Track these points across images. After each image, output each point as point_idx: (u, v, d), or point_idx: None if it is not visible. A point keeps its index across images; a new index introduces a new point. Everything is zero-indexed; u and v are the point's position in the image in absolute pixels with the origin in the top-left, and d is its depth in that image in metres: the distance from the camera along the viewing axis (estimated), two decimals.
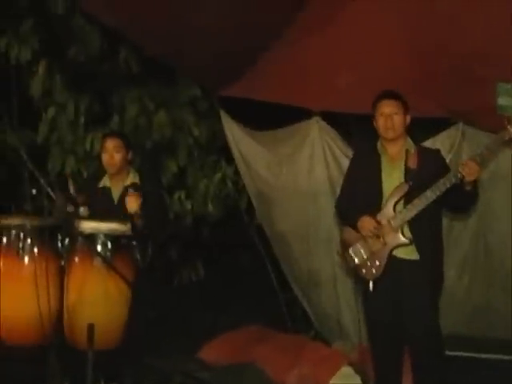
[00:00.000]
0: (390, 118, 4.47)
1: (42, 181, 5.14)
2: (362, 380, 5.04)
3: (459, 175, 4.24)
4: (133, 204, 4.63)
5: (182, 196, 6.12)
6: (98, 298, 4.28)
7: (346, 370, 5.13)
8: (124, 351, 4.43)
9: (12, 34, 5.76)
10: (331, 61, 5.39)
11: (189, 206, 6.13)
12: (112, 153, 4.91)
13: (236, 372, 5.15)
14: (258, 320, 6.04)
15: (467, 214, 5.30)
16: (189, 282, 6.47)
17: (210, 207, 6.14)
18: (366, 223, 4.44)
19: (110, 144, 4.93)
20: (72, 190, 4.60)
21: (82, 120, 5.86)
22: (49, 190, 5.10)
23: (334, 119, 5.84)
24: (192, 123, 6.15)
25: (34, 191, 4.38)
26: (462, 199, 4.37)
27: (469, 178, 4.22)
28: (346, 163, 5.16)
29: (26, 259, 4.34)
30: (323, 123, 5.81)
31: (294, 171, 5.92)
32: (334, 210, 5.05)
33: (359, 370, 5.11)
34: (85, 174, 5.91)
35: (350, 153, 5.29)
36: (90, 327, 4.17)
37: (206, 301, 6.80)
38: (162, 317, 5.24)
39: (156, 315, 4.91)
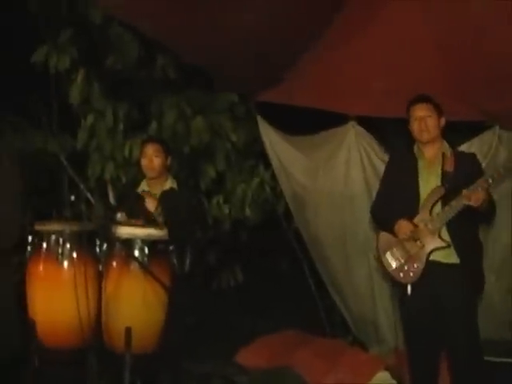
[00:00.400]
0: (423, 120, 4.50)
1: (81, 187, 5.25)
2: None
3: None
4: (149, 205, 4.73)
5: (221, 201, 6.15)
6: (135, 302, 4.29)
7: (383, 374, 5.14)
8: (161, 355, 4.44)
9: (51, 44, 5.85)
10: (366, 65, 5.40)
11: (227, 211, 6.15)
12: (151, 157, 4.96)
13: (274, 376, 5.18)
14: (295, 324, 6.06)
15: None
16: (227, 287, 6.47)
17: (248, 212, 6.15)
18: (403, 227, 4.44)
19: (150, 149, 4.98)
20: (111, 195, 4.60)
21: (121, 127, 5.91)
22: (88, 195, 5.23)
23: (369, 124, 5.80)
24: (230, 128, 6.18)
25: (72, 197, 4.45)
26: (478, 216, 4.40)
27: (476, 205, 4.24)
28: (382, 167, 5.16)
29: (66, 264, 4.38)
30: (359, 128, 5.80)
31: (330, 176, 5.93)
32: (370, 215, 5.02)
33: (396, 374, 5.11)
34: (123, 180, 5.93)
35: (386, 157, 5.25)
36: (128, 331, 4.24)
37: (245, 305, 6.82)
38: (200, 321, 5.26)
39: (194, 320, 4.93)
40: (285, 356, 5.47)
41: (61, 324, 4.26)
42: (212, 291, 6.51)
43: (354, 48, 5.37)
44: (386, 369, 5.19)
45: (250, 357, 5.57)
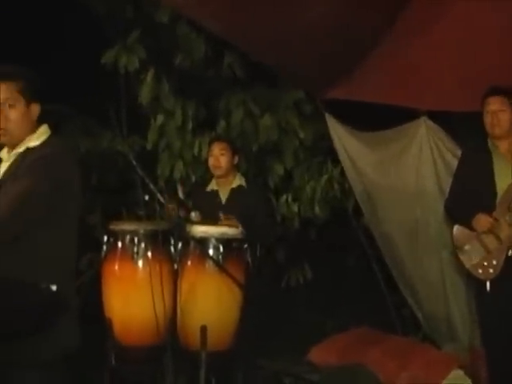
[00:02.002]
0: (495, 115, 4.46)
1: (151, 186, 5.31)
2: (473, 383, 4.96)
3: None
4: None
5: (289, 199, 6.12)
6: (210, 301, 4.31)
7: (457, 373, 5.05)
8: (235, 353, 4.45)
9: (120, 45, 5.89)
10: (437, 58, 5.36)
11: (295, 209, 6.12)
12: (218, 156, 5.01)
13: (347, 374, 5.13)
14: (364, 322, 5.99)
15: None
16: (296, 285, 6.46)
17: (317, 209, 6.12)
18: (483, 220, 4.39)
19: (216, 148, 5.04)
20: (181, 194, 4.62)
21: (190, 125, 5.93)
22: (158, 195, 5.27)
23: (441, 118, 5.73)
24: (297, 125, 6.15)
25: (146, 197, 4.43)
26: None
27: None
28: (454, 163, 5.11)
29: (141, 263, 4.36)
30: (431, 123, 5.73)
31: (401, 172, 5.88)
32: (443, 210, 5.01)
33: (470, 373, 5.03)
34: (193, 179, 5.96)
35: (459, 152, 5.18)
36: (203, 329, 4.22)
37: (314, 303, 6.81)
38: (270, 319, 5.26)
39: (265, 318, 4.94)
40: (357, 354, 5.42)
41: (137, 322, 4.26)
42: (281, 289, 6.47)
43: (424, 41, 5.33)
44: (460, 367, 5.11)
45: (322, 354, 5.55)
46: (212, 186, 5.14)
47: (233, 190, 5.04)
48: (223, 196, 5.12)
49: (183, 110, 5.89)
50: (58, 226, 3.18)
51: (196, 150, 5.91)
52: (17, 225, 3.02)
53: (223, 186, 5.09)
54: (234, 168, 5.15)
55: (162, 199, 5.62)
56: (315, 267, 6.58)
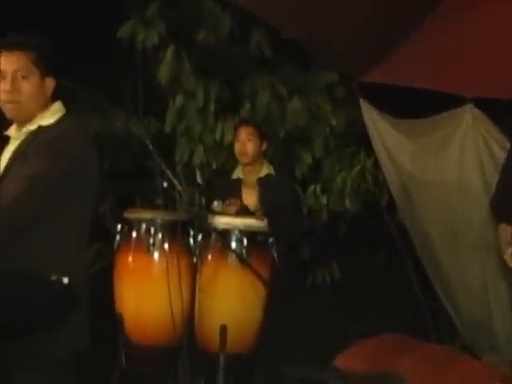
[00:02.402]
0: None
1: (167, 173, 5.22)
2: None
3: None
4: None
5: (318, 190, 6.02)
6: (231, 298, 4.28)
7: None
8: (257, 356, 4.44)
9: (137, 18, 5.79)
10: (484, 42, 5.27)
11: (324, 201, 6.01)
12: (245, 142, 4.94)
13: (377, 381, 5.07)
14: (395, 328, 5.89)
15: None
16: (322, 284, 6.38)
17: (347, 203, 6.01)
18: None
19: (243, 132, 4.96)
20: (201, 181, 4.58)
21: (212, 108, 5.83)
22: (175, 182, 5.20)
23: (487, 107, 5.61)
24: (329, 111, 6.04)
25: (165, 184, 4.38)
26: None
27: None
28: (501, 155, 5.03)
29: (157, 255, 4.31)
30: (477, 111, 5.59)
31: (442, 164, 5.75)
32: (487, 208, 4.90)
33: None
34: (214, 166, 5.88)
35: (507, 144, 5.03)
36: (223, 329, 4.20)
37: (341, 304, 6.72)
38: (294, 320, 5.22)
39: (289, 319, 4.91)
40: (388, 361, 5.31)
41: (150, 319, 4.24)
42: (306, 288, 6.38)
43: (470, 24, 5.23)
44: (502, 381, 4.97)
45: (349, 361, 5.42)
46: (237, 174, 5.07)
47: (260, 180, 4.93)
48: (249, 186, 5.10)
49: (205, 90, 5.77)
50: (70, 216, 3.15)
51: (218, 135, 5.80)
52: (25, 213, 2.99)
53: (249, 175, 5.02)
54: (262, 155, 5.06)
55: (178, 187, 5.57)
56: (343, 265, 6.46)
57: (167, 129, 5.87)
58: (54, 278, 3.08)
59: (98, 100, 6.07)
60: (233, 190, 5.01)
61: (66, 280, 3.09)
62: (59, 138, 3.09)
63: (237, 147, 5.01)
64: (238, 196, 4.95)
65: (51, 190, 3.01)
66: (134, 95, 6.11)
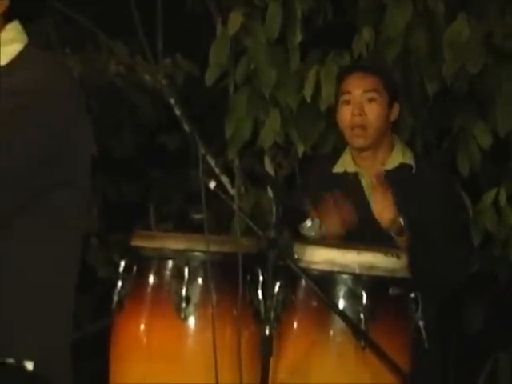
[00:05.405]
0: None
1: (212, 163, 4.24)
2: None
3: None
4: (383, 207, 3.44)
5: (502, 197, 4.10)
6: None
7: None
8: None
9: None
10: None
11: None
12: (361, 103, 3.61)
13: None
14: None
15: None
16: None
17: None
18: None
19: (358, 86, 3.63)
20: (274, 178, 3.62)
21: (298, 38, 4.05)
22: (223, 179, 4.27)
23: None
24: None
25: (211, 184, 2.90)
26: None
27: None
28: None
29: (192, 321, 3.03)
30: None
31: None
32: None
33: None
34: (300, 148, 4.19)
35: None
36: None
37: None
38: None
39: None
40: None
41: None
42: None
43: None
44: None
45: None
46: (345, 163, 3.55)
47: (389, 174, 3.47)
48: (369, 185, 3.55)
49: (284, 3, 4.09)
50: (48, 228, 2.29)
51: (308, 90, 4.07)
52: None
53: (369, 166, 3.52)
54: (391, 130, 3.56)
55: (225, 183, 4.15)
56: None
57: (208, 79, 4.20)
58: (10, 360, 2.28)
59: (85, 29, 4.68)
60: (347, 192, 3.57)
61: (30, 365, 2.27)
62: (23, 90, 2.26)
63: (345, 114, 3.54)
64: (353, 205, 3.50)
65: (12, 181, 2.20)
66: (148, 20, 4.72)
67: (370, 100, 3.49)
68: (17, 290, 2.31)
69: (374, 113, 3.52)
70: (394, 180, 3.48)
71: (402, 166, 3.49)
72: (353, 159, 3.57)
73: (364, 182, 3.55)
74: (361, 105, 3.48)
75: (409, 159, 3.52)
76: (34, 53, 2.38)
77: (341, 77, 3.69)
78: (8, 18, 2.36)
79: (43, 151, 2.27)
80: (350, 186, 3.55)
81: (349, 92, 3.52)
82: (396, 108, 3.54)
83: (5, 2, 2.33)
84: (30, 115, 2.26)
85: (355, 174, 3.55)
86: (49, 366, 2.35)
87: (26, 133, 2.25)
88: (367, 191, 3.54)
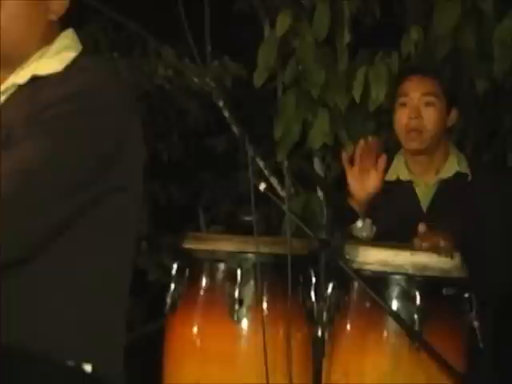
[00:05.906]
0: None
1: (261, 165, 4.22)
2: None
3: None
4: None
5: None
6: None
7: None
8: None
9: None
10: None
11: None
12: (418, 107, 3.50)
13: None
14: None
15: None
16: None
17: None
18: None
19: (415, 90, 3.53)
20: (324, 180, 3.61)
21: (347, 38, 4.09)
22: (272, 181, 4.19)
23: None
24: None
25: (261, 186, 2.85)
26: None
27: None
28: None
29: (246, 323, 3.04)
30: None
31: None
32: None
33: None
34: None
35: None
36: None
37: None
38: None
39: None
40: None
41: None
42: None
43: None
44: None
45: None
46: (398, 170, 3.44)
47: (445, 184, 3.40)
48: (424, 194, 3.46)
49: (332, 3, 4.04)
50: (105, 234, 2.25)
51: (357, 91, 4.02)
52: (12, 243, 2.03)
53: (423, 173, 3.41)
54: (447, 136, 3.47)
55: (275, 187, 4.08)
56: None
57: (257, 80, 4.18)
58: (70, 363, 2.24)
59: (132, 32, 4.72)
60: (395, 202, 3.48)
61: (88, 367, 2.23)
62: (78, 96, 2.19)
63: (401, 117, 3.45)
64: (406, 215, 3.43)
65: (63, 184, 2.11)
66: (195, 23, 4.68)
67: (428, 104, 3.39)
68: (76, 295, 2.34)
69: (430, 117, 3.43)
70: (451, 191, 3.40)
71: (458, 175, 3.40)
72: (406, 165, 3.46)
73: (419, 191, 3.45)
74: (418, 108, 3.39)
75: (464, 168, 3.38)
76: (88, 59, 2.37)
77: (399, 79, 3.59)
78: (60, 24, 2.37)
79: (99, 156, 2.27)
80: (404, 194, 3.47)
81: (406, 94, 3.41)
82: (454, 113, 3.42)
83: (65, 3, 2.34)
84: (85, 120, 2.25)
85: (409, 182, 3.46)
86: (105, 367, 2.36)
87: (83, 138, 2.24)
88: (422, 202, 3.45)
